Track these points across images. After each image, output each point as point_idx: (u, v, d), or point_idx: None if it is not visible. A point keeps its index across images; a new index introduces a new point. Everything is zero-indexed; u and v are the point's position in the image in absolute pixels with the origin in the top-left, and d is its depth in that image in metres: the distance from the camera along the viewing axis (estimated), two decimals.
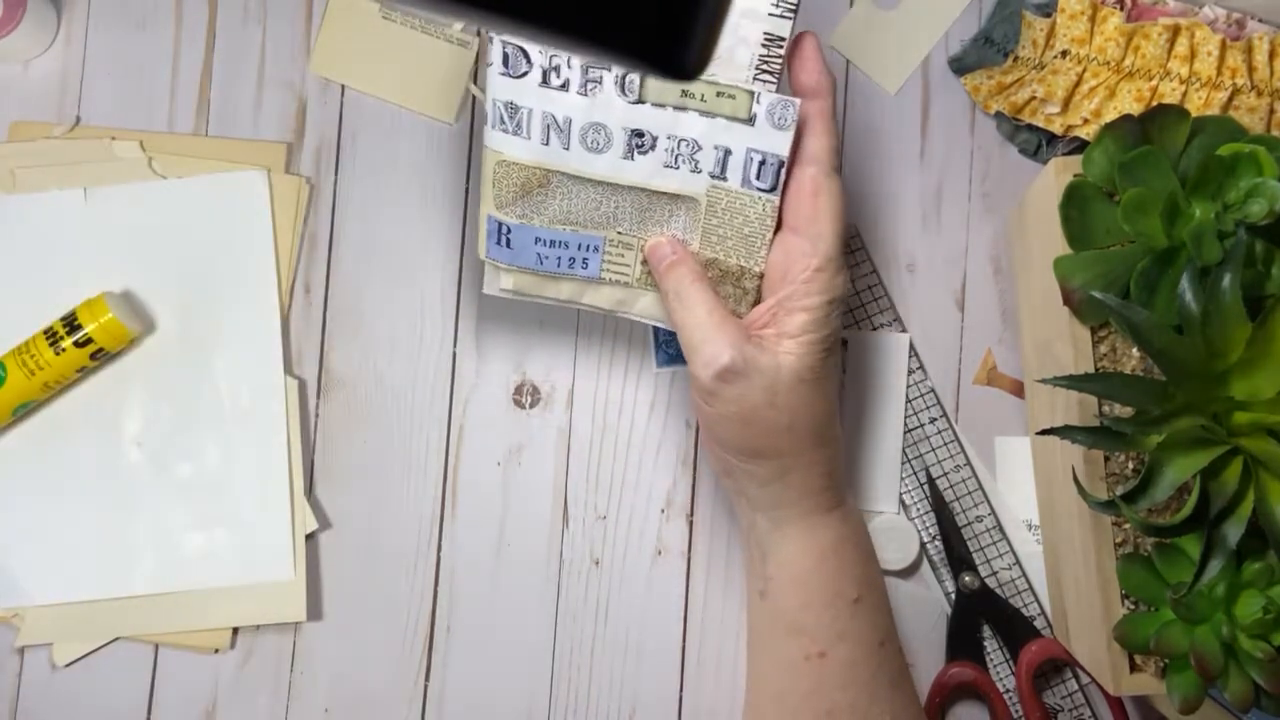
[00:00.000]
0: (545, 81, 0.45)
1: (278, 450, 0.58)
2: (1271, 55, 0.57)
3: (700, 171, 0.47)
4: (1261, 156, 0.47)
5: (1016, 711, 0.58)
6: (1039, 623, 0.58)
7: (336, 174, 0.61)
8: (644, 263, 0.50)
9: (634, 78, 0.45)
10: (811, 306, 0.45)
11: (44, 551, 0.58)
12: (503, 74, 0.46)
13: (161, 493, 0.58)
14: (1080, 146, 0.59)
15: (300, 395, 0.59)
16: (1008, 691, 0.58)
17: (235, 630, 0.58)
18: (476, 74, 0.61)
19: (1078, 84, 0.58)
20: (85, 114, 0.61)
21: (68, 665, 0.58)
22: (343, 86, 0.61)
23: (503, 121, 0.47)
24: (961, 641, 0.58)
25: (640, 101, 0.45)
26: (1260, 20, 0.58)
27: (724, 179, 0.46)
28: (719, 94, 0.44)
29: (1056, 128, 0.58)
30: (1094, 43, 0.57)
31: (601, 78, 0.45)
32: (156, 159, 0.60)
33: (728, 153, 0.46)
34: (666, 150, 0.46)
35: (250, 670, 0.58)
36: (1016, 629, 0.58)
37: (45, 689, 0.58)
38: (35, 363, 0.56)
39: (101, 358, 0.57)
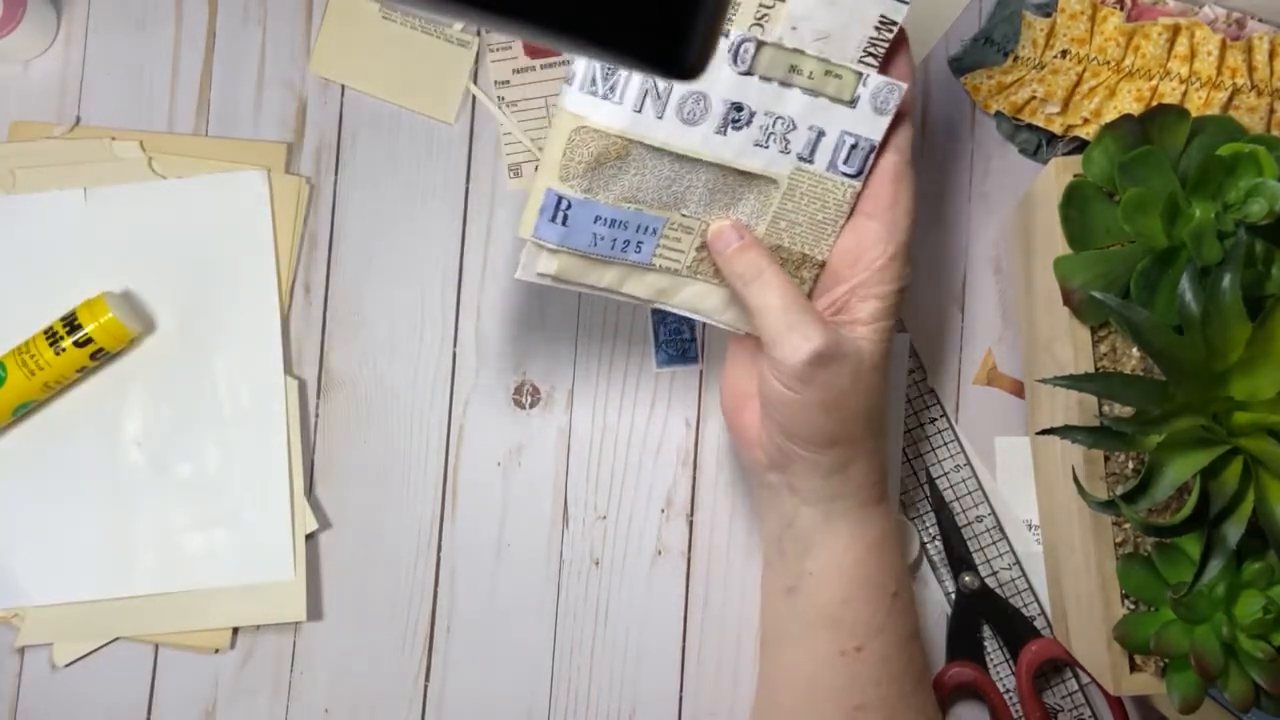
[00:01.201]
0: None
1: (278, 450, 0.58)
2: (1271, 55, 0.57)
3: (789, 152, 0.46)
4: (1261, 156, 0.47)
5: (1016, 711, 0.58)
6: (1039, 623, 0.58)
7: (336, 174, 0.61)
8: (699, 248, 0.49)
9: (750, 46, 0.44)
10: (884, 294, 0.46)
11: (44, 551, 0.58)
12: None
13: (161, 493, 0.58)
14: (1080, 146, 0.59)
15: (300, 395, 0.59)
16: (1008, 691, 0.58)
17: (235, 630, 0.58)
18: (477, 74, 0.60)
19: (1078, 84, 0.58)
20: (85, 114, 0.61)
21: (68, 665, 0.58)
22: (343, 86, 0.61)
23: (593, 83, 0.44)
24: (961, 641, 0.58)
25: (749, 73, 0.44)
26: (1260, 20, 0.58)
27: (811, 161, 0.46)
28: (827, 72, 0.44)
29: (1056, 128, 0.58)
30: (1094, 43, 0.57)
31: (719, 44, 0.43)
32: (156, 159, 0.60)
33: (821, 134, 0.45)
34: (761, 127, 0.45)
35: (250, 670, 0.58)
36: (1016, 629, 0.58)
37: (45, 689, 0.58)
38: (35, 363, 0.56)
39: (101, 358, 0.57)
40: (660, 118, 0.45)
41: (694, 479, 0.59)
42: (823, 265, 0.48)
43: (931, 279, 0.60)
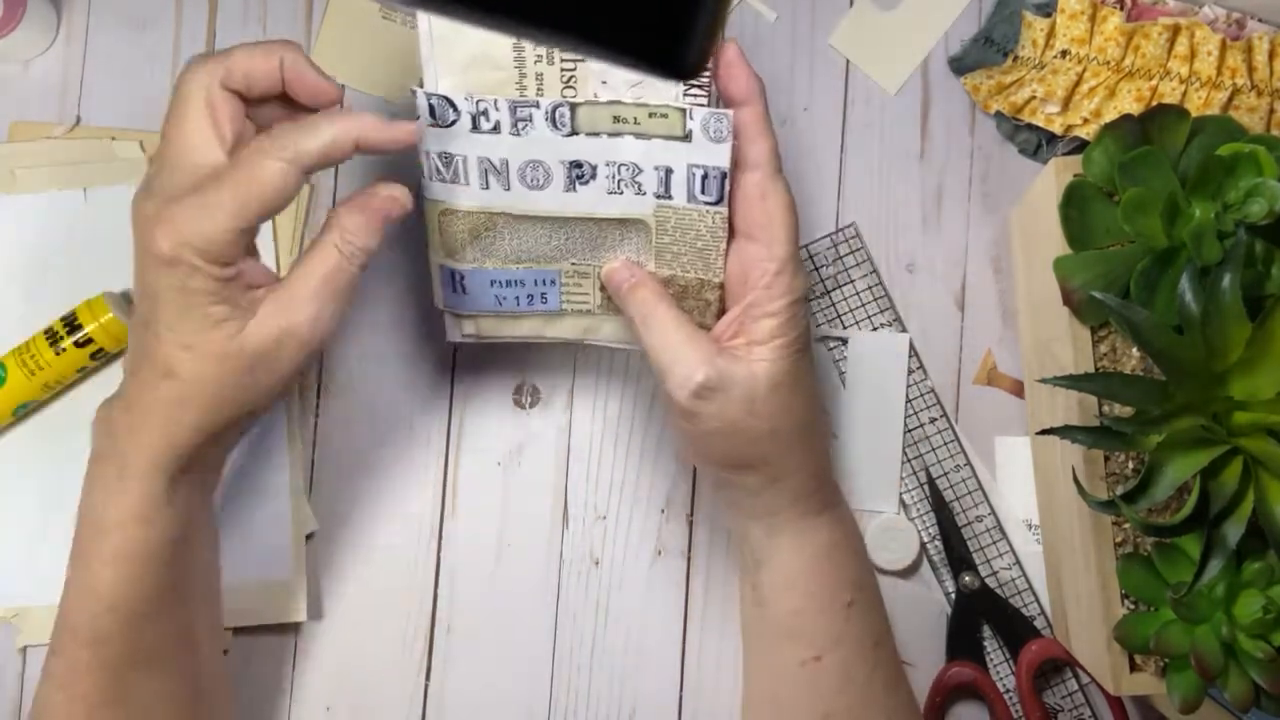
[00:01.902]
0: (476, 127, 0.45)
1: (278, 450, 0.58)
2: (1271, 55, 0.57)
3: (644, 193, 0.46)
4: (1261, 156, 0.47)
5: (1016, 711, 0.58)
6: (1039, 623, 0.58)
7: (336, 174, 0.61)
8: (603, 289, 0.50)
9: (564, 111, 0.44)
10: (776, 310, 0.45)
11: (45, 551, 0.58)
12: (431, 125, 0.45)
13: None
14: (1080, 146, 0.59)
15: (300, 395, 0.59)
16: (1008, 691, 0.58)
17: (235, 630, 0.58)
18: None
19: (1078, 84, 0.58)
20: (85, 114, 0.61)
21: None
22: (343, 86, 0.61)
23: (439, 172, 0.46)
24: (961, 641, 0.58)
25: (574, 134, 0.45)
26: (1260, 20, 0.58)
27: (669, 197, 0.46)
28: (651, 115, 0.44)
29: (1056, 128, 0.58)
30: (1094, 42, 0.57)
31: (531, 115, 0.44)
32: None
33: (669, 171, 0.45)
34: (608, 177, 0.46)
35: (250, 670, 0.58)
36: (1016, 629, 0.58)
37: None
38: (35, 363, 0.56)
39: (102, 358, 0.57)
40: (508, 189, 0.47)
41: (694, 479, 0.59)
42: (723, 285, 0.48)
43: (931, 279, 0.60)
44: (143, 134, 0.60)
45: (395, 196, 0.44)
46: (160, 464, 0.44)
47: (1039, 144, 0.60)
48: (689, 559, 0.59)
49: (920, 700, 0.58)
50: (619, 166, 0.45)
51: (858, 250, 0.60)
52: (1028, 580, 0.59)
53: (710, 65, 0.44)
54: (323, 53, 0.61)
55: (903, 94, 0.61)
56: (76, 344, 0.56)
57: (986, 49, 0.61)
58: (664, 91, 0.44)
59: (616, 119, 0.44)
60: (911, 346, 0.60)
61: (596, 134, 0.45)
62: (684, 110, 0.43)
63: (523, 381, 0.60)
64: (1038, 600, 0.59)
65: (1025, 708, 0.57)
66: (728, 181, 0.45)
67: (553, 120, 0.44)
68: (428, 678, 0.59)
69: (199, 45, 0.61)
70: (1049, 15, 0.58)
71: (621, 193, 0.46)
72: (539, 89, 0.44)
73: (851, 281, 0.60)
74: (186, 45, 0.61)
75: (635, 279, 0.47)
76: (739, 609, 0.55)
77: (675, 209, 0.46)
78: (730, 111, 0.43)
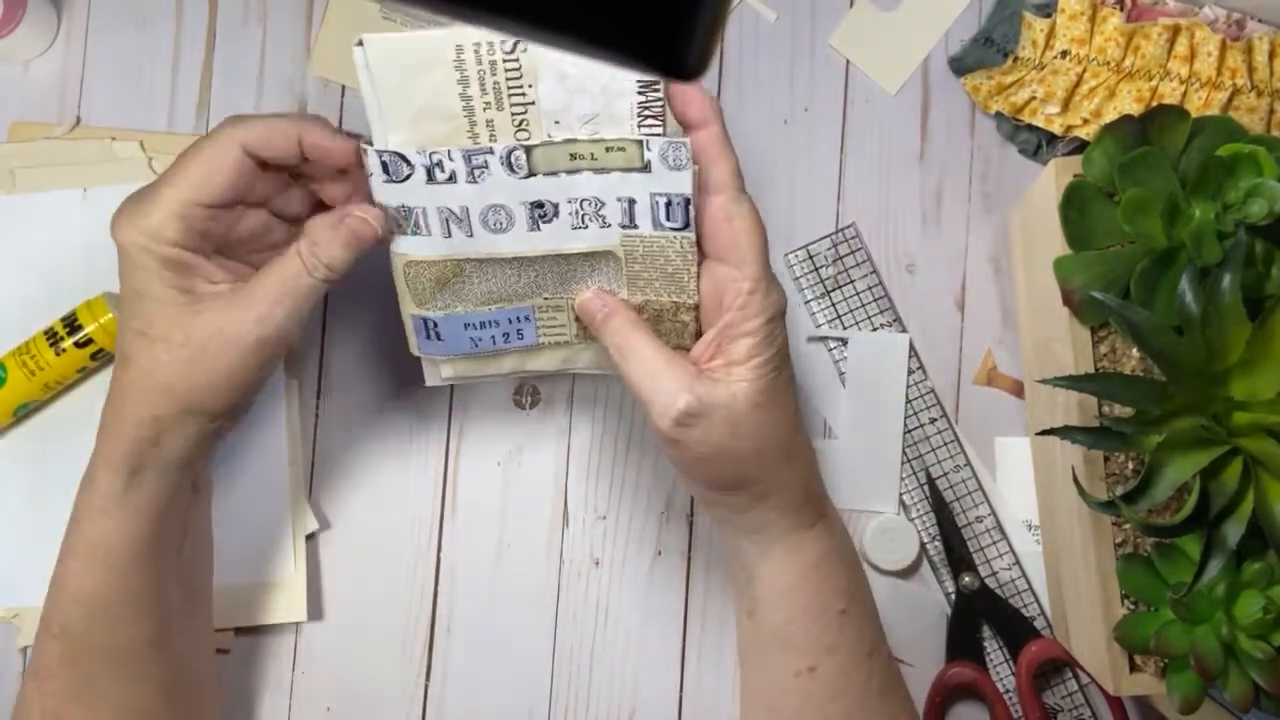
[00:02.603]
0: (431, 179, 0.44)
1: (277, 450, 0.58)
2: (1271, 55, 0.57)
3: (610, 225, 0.46)
4: (1261, 156, 0.47)
5: (1016, 711, 0.58)
6: (1039, 623, 0.58)
7: None
8: (578, 319, 0.50)
9: (520, 154, 0.44)
10: (752, 329, 0.44)
11: (45, 552, 0.58)
12: (386, 181, 0.45)
13: None
14: (1080, 146, 0.59)
15: (300, 395, 0.59)
16: (1008, 691, 0.58)
17: (235, 630, 0.58)
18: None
19: (1078, 84, 0.58)
20: (85, 114, 0.61)
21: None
22: (343, 86, 0.61)
23: (399, 225, 0.46)
24: (961, 641, 0.58)
25: (532, 175, 0.44)
26: (1260, 20, 0.58)
27: (635, 227, 0.45)
28: (608, 149, 0.43)
29: (1056, 128, 0.58)
30: (1094, 43, 0.57)
31: (487, 162, 0.44)
32: (156, 159, 0.60)
33: (632, 202, 0.45)
34: (570, 214, 0.46)
35: (250, 670, 0.58)
36: (1016, 629, 0.58)
37: None
38: (36, 363, 0.56)
39: (102, 358, 0.57)
40: (471, 235, 0.46)
41: None
42: (697, 306, 0.47)
43: (931, 279, 0.61)
44: (143, 134, 0.60)
45: (365, 219, 0.45)
46: (111, 457, 0.45)
47: (1039, 144, 0.60)
48: (689, 559, 0.59)
49: (920, 700, 0.58)
50: (581, 202, 0.45)
51: (858, 250, 0.60)
52: (1028, 580, 0.59)
53: (663, 93, 0.43)
54: (323, 53, 0.61)
55: (903, 94, 0.61)
56: (77, 344, 0.56)
57: (986, 49, 0.61)
58: (620, 125, 0.43)
59: (573, 156, 0.44)
60: (911, 346, 0.60)
61: (555, 173, 0.44)
62: (640, 142, 0.43)
63: (523, 382, 0.60)
64: (1038, 600, 0.59)
65: (1025, 708, 0.57)
66: (692, 206, 0.44)
67: (509, 164, 0.44)
68: (428, 678, 0.59)
69: (199, 45, 0.61)
70: (1049, 15, 0.58)
71: (586, 227, 0.46)
72: (491, 134, 0.44)
73: (851, 281, 0.60)
74: (186, 45, 0.61)
75: (608, 309, 0.47)
76: (735, 621, 0.55)
77: (642, 237, 0.46)
78: (687, 139, 0.43)
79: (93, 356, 0.56)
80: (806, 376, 0.60)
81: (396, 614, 0.59)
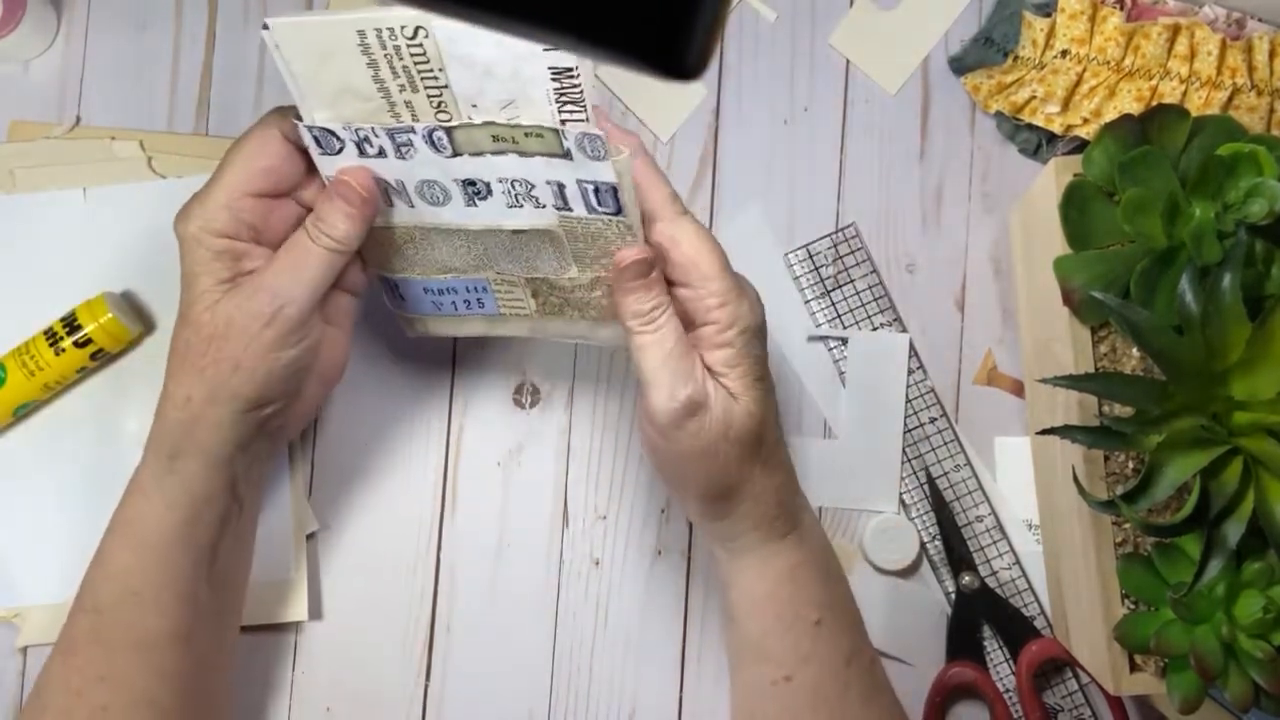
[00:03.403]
0: (362, 153, 0.45)
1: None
2: (1271, 55, 0.57)
3: (544, 206, 0.46)
4: (1261, 156, 0.47)
5: (1016, 711, 0.58)
6: (1039, 623, 0.58)
7: None
8: (535, 295, 0.50)
9: (442, 134, 0.44)
10: (727, 341, 0.44)
11: (45, 551, 0.58)
12: (322, 154, 0.45)
13: None
14: (1080, 146, 0.59)
15: None
16: (1008, 691, 0.58)
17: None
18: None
19: (1078, 84, 0.58)
20: (85, 114, 0.61)
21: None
22: None
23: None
24: (961, 641, 0.58)
25: (457, 155, 0.44)
26: (1260, 20, 0.58)
27: (569, 209, 0.45)
28: (527, 135, 0.43)
29: (1056, 127, 0.58)
30: (1094, 42, 0.57)
31: (411, 140, 0.44)
32: (156, 159, 0.60)
33: (561, 185, 0.45)
34: (504, 192, 0.46)
35: (251, 670, 0.58)
36: (1016, 629, 0.58)
37: None
38: (35, 363, 0.56)
39: (101, 358, 0.57)
40: (412, 206, 0.47)
41: None
42: None
43: (931, 279, 0.60)
44: (143, 134, 0.60)
45: (347, 180, 0.46)
46: (156, 438, 0.47)
47: (1039, 144, 0.60)
48: (689, 559, 0.59)
49: (920, 700, 0.58)
50: (511, 182, 0.45)
51: (858, 250, 0.60)
52: (1028, 580, 0.59)
53: (582, 81, 0.42)
54: None
55: (903, 94, 0.61)
56: (76, 344, 0.56)
57: (986, 49, 0.61)
58: (538, 110, 0.43)
59: (496, 139, 0.44)
60: (911, 346, 0.60)
61: (480, 153, 0.44)
62: (558, 130, 0.43)
63: (523, 381, 0.60)
64: (1038, 600, 0.59)
65: (1025, 708, 0.57)
66: (622, 193, 0.44)
67: (432, 143, 0.44)
68: (428, 678, 0.59)
69: (199, 45, 0.61)
70: (1049, 15, 0.58)
71: (521, 206, 0.46)
72: (413, 114, 0.44)
73: (851, 281, 0.60)
74: (186, 45, 0.61)
75: (655, 275, 0.45)
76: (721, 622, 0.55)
77: (579, 219, 0.46)
78: (602, 132, 0.42)
79: (92, 356, 0.56)
80: (806, 376, 0.60)
81: (396, 614, 0.59)
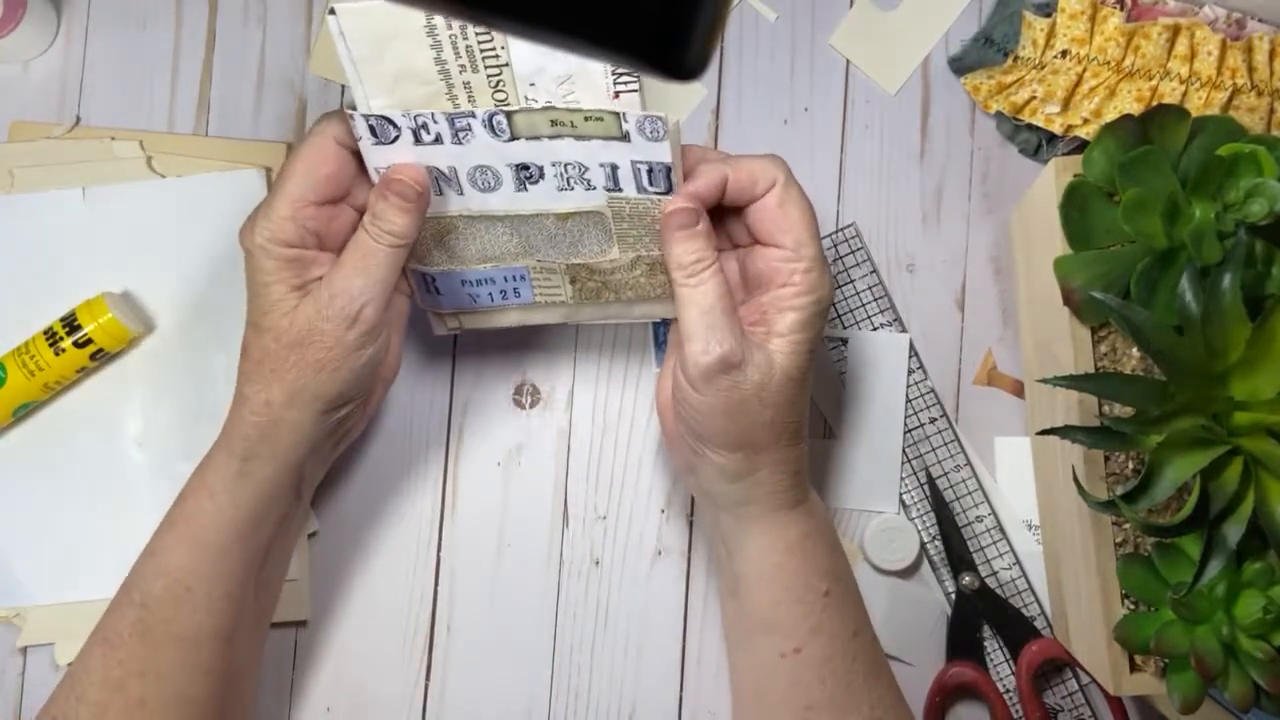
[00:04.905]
0: (418, 140, 0.45)
1: None
2: (1271, 55, 0.57)
3: (595, 188, 0.47)
4: (1261, 156, 0.47)
5: (1016, 711, 0.58)
6: (1039, 623, 0.58)
7: None
8: (573, 282, 0.51)
9: (501, 118, 0.45)
10: (801, 306, 0.46)
11: (45, 551, 0.58)
12: (376, 144, 0.46)
13: (162, 493, 0.58)
14: (1080, 146, 0.59)
15: None
16: (1008, 691, 0.58)
17: None
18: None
19: (1078, 84, 0.58)
20: (85, 114, 0.61)
21: (70, 665, 0.58)
22: (343, 86, 0.61)
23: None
24: (961, 641, 0.58)
25: (515, 139, 0.45)
26: (1260, 20, 0.58)
27: (619, 190, 0.47)
28: (587, 119, 0.44)
29: (1056, 128, 0.58)
30: (1094, 42, 0.57)
31: (470, 125, 0.45)
32: (156, 159, 0.60)
33: (615, 167, 0.46)
34: (555, 176, 0.46)
35: None
36: (1016, 629, 0.58)
37: (48, 689, 0.58)
38: (35, 363, 0.56)
39: (101, 358, 0.57)
40: (461, 194, 0.48)
41: None
42: None
43: (931, 279, 0.60)
44: (142, 134, 0.60)
45: (402, 178, 0.46)
46: (230, 441, 0.48)
47: (1039, 144, 0.60)
48: (689, 559, 0.59)
49: (920, 700, 0.58)
50: (565, 165, 0.46)
51: (858, 250, 0.60)
52: (1028, 580, 0.59)
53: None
54: (323, 53, 0.61)
55: (903, 94, 0.61)
56: (76, 344, 0.56)
57: (986, 49, 0.61)
58: (595, 86, 0.44)
59: (554, 123, 0.45)
60: (911, 346, 0.60)
61: (537, 137, 0.45)
62: (618, 114, 0.44)
63: (523, 381, 0.60)
64: (1038, 600, 0.59)
65: (1025, 708, 0.57)
66: (674, 173, 0.45)
67: (491, 128, 0.45)
68: (428, 677, 0.59)
69: (199, 45, 0.61)
70: (1049, 15, 0.58)
71: (572, 189, 0.47)
72: (470, 97, 0.45)
73: (851, 281, 0.60)
74: (186, 45, 0.61)
75: (699, 227, 0.46)
76: (719, 603, 0.55)
77: (628, 199, 0.47)
78: (664, 114, 0.44)
79: (92, 357, 0.56)
80: None
81: (396, 614, 0.59)
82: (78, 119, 0.61)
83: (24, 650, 0.58)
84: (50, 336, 0.56)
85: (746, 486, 0.48)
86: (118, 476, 0.59)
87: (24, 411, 0.58)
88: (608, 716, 0.58)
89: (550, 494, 0.59)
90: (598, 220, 0.48)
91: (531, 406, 0.60)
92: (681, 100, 0.61)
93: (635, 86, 0.44)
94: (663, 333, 0.60)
